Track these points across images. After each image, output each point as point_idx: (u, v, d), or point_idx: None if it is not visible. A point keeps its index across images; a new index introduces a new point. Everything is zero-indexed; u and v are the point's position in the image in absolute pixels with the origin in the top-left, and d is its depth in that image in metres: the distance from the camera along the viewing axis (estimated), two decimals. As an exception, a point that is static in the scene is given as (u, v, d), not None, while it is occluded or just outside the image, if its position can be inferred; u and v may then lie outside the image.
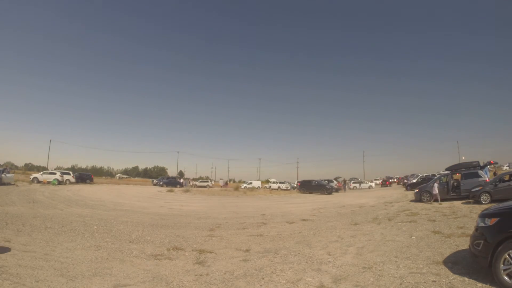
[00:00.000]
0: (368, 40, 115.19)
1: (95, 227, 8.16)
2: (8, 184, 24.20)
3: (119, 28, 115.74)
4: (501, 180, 12.59)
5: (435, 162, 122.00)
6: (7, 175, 25.07)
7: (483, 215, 4.24)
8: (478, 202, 12.42)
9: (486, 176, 14.70)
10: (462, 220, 8.74)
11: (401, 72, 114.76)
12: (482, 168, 15.53)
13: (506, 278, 3.56)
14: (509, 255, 3.59)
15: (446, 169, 16.58)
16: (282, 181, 47.04)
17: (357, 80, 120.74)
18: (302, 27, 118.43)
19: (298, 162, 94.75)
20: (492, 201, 12.02)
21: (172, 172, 76.11)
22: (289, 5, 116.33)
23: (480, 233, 4.11)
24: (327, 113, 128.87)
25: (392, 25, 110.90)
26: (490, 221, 3.99)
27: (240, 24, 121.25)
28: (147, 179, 68.75)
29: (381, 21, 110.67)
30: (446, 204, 13.47)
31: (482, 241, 3.95)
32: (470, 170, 15.26)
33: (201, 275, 4.45)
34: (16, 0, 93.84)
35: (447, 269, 4.42)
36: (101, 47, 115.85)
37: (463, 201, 13.54)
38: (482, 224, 4.14)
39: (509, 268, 3.57)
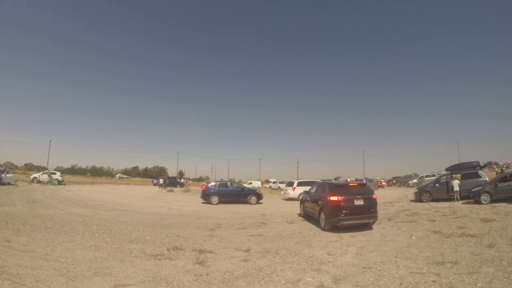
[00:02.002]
0: (368, 39, 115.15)
1: (95, 227, 8.16)
2: (8, 184, 24.21)
3: (117, 28, 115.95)
4: (501, 180, 12.58)
5: (435, 162, 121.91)
6: (7, 175, 25.09)
7: None
8: (478, 202, 12.41)
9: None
10: (462, 220, 8.74)
11: (402, 71, 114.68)
12: (482, 168, 15.49)
13: None
14: None
15: (446, 169, 16.54)
16: (282, 181, 47.03)
17: (357, 79, 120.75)
18: (300, 23, 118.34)
19: (298, 162, 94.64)
20: (492, 201, 12.02)
21: (172, 172, 76.03)
22: None
23: None
24: (327, 112, 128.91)
25: (392, 25, 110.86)
26: None
27: (238, 23, 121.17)
28: (147, 179, 68.67)
29: (381, 20, 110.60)
30: (446, 204, 13.46)
31: None
32: (470, 170, 15.26)
33: (201, 275, 4.45)
34: (16, 1, 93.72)
35: (447, 269, 4.42)
36: (100, 48, 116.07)
37: (463, 201, 13.54)
38: None
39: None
